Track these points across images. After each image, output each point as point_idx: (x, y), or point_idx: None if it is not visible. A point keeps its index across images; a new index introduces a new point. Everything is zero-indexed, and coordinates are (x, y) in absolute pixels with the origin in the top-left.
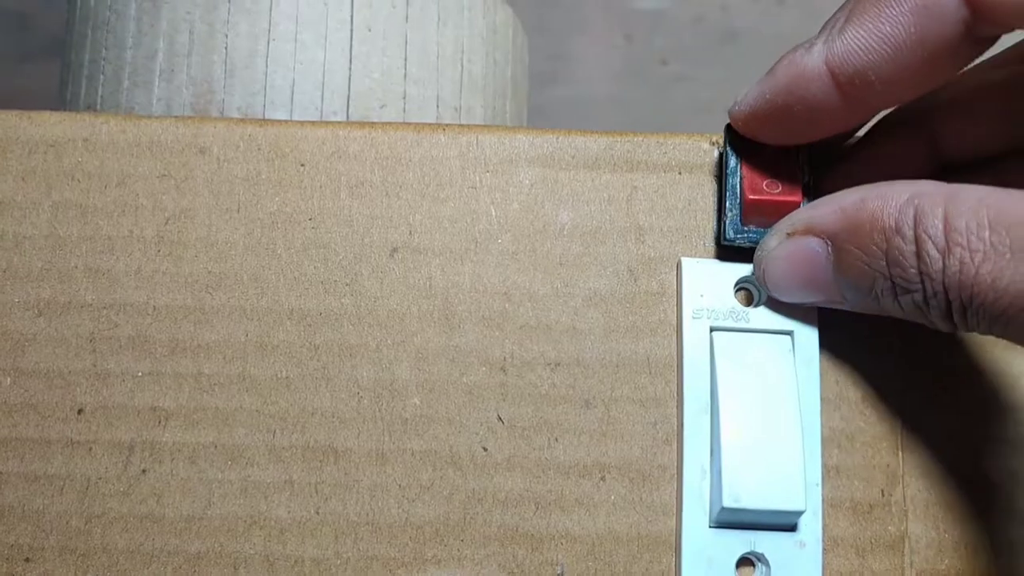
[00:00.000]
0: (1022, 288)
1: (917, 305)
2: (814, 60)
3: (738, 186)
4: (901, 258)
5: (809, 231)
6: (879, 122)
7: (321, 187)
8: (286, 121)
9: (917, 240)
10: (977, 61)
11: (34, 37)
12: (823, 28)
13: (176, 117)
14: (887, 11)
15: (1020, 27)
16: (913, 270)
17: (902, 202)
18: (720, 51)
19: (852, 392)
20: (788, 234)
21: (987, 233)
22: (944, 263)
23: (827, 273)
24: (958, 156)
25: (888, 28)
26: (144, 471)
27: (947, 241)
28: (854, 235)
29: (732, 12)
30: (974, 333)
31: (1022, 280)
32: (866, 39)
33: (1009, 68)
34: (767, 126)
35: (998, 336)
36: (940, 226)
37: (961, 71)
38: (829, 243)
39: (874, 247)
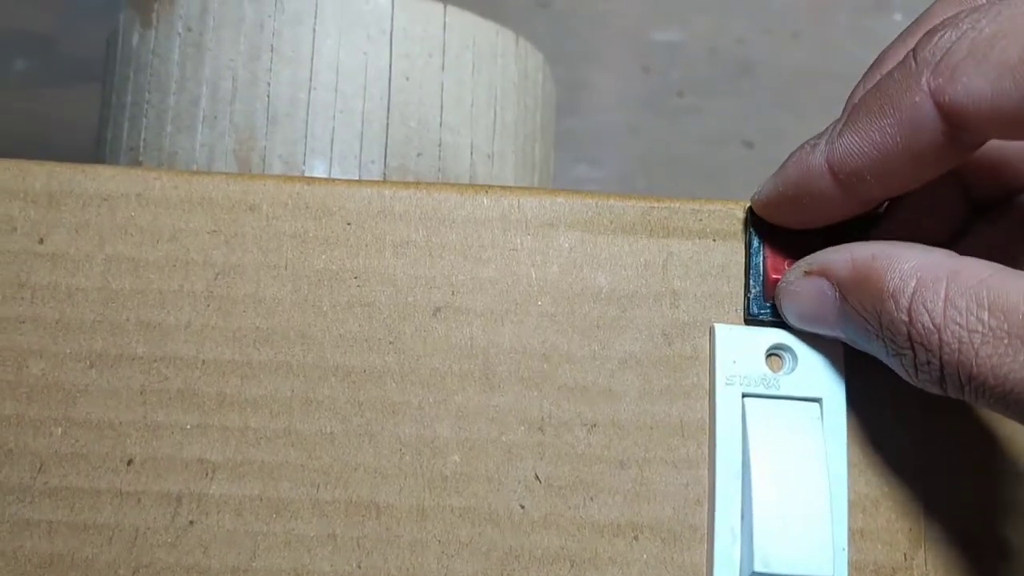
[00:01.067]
0: (1022, 376)
1: (905, 368)
2: (817, 159)
3: (761, 265)
4: (891, 324)
5: (822, 273)
6: None
7: (367, 246)
8: (334, 180)
9: (911, 311)
10: None
11: (59, 61)
12: (827, 129)
13: (227, 174)
14: (876, 123)
15: (996, 136)
16: (903, 337)
17: (905, 270)
18: (735, 83)
19: (878, 458)
20: (806, 272)
21: (986, 315)
22: (940, 338)
23: (833, 314)
24: (987, 195)
25: (878, 137)
26: (191, 522)
27: (945, 317)
28: (857, 288)
29: (747, 45)
30: None
31: (1021, 368)
32: (859, 144)
33: None
34: (780, 213)
35: (997, 413)
36: (940, 302)
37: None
38: (837, 288)
39: (870, 306)
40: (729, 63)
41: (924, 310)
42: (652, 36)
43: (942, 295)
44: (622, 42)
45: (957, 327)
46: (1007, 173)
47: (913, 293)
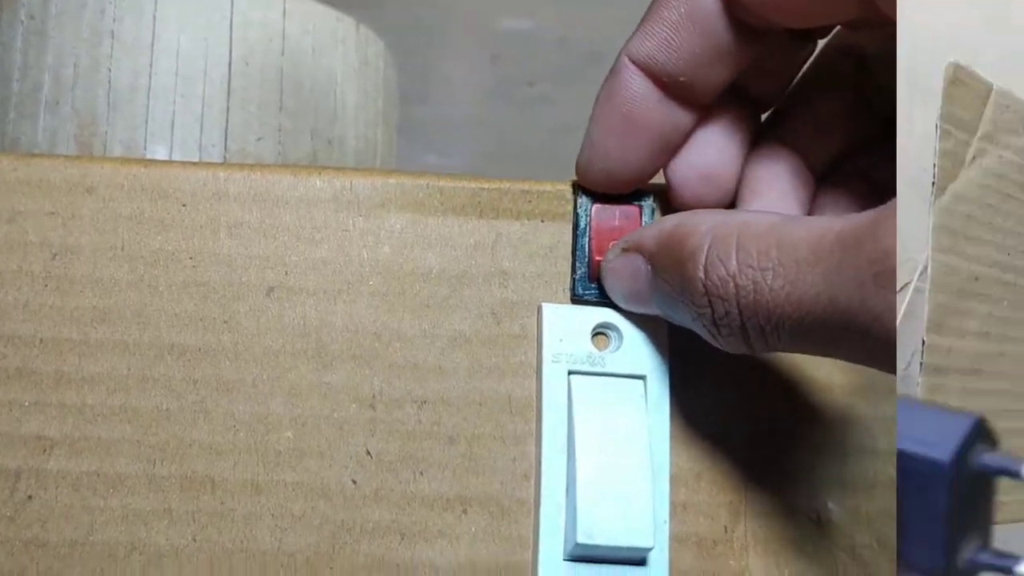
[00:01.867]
0: (813, 293)
1: (706, 327)
2: (619, 64)
3: (587, 247)
4: (690, 284)
5: (637, 249)
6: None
7: (201, 227)
8: (170, 162)
9: (707, 266)
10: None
11: None
12: None
13: (66, 157)
14: (665, 4)
15: (774, 20)
16: (700, 294)
17: (702, 230)
18: (585, 72)
19: (700, 433)
20: (623, 249)
21: (774, 251)
22: (736, 284)
23: (647, 288)
24: (822, 165)
25: (664, 13)
26: (30, 497)
27: (738, 263)
28: (664, 257)
29: (597, 34)
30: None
31: (813, 286)
32: (650, 26)
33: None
34: (605, 154)
35: (801, 352)
36: (732, 251)
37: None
38: (648, 262)
39: (673, 270)
40: (579, 52)
41: (719, 262)
42: (500, 24)
43: (733, 244)
44: (470, 30)
45: (750, 270)
46: (830, 136)
47: (708, 248)
